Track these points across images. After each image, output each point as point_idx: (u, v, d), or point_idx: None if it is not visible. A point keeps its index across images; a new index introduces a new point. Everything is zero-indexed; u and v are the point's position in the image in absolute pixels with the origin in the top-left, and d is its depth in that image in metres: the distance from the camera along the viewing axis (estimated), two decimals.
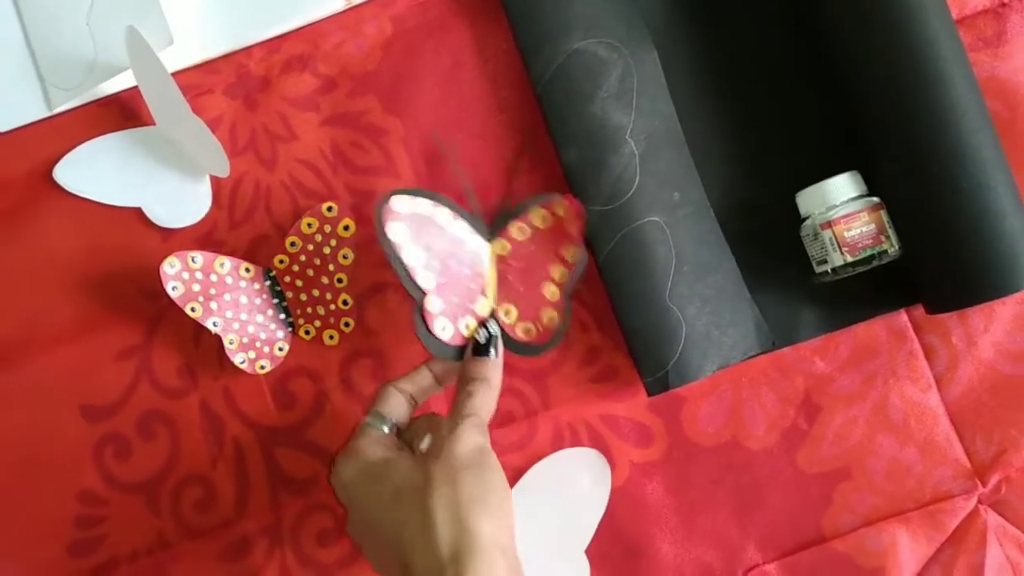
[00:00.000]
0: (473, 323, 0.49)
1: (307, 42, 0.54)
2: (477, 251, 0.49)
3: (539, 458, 0.53)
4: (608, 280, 0.50)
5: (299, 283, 0.53)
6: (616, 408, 0.54)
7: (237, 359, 0.52)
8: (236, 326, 0.52)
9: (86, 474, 0.54)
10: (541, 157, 0.53)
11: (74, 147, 0.54)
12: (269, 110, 0.54)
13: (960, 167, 0.46)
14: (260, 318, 0.53)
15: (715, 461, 0.53)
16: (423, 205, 0.48)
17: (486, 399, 0.45)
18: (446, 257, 0.48)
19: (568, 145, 0.50)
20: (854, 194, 0.49)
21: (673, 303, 0.49)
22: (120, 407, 0.54)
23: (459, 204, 0.49)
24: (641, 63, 0.51)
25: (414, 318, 0.47)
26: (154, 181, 0.54)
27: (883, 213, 0.48)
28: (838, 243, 0.48)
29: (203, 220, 0.54)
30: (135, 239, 0.54)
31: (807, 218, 0.50)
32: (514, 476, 0.54)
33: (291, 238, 0.53)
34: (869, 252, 0.48)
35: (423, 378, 0.49)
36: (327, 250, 0.53)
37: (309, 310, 0.54)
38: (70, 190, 0.54)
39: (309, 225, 0.53)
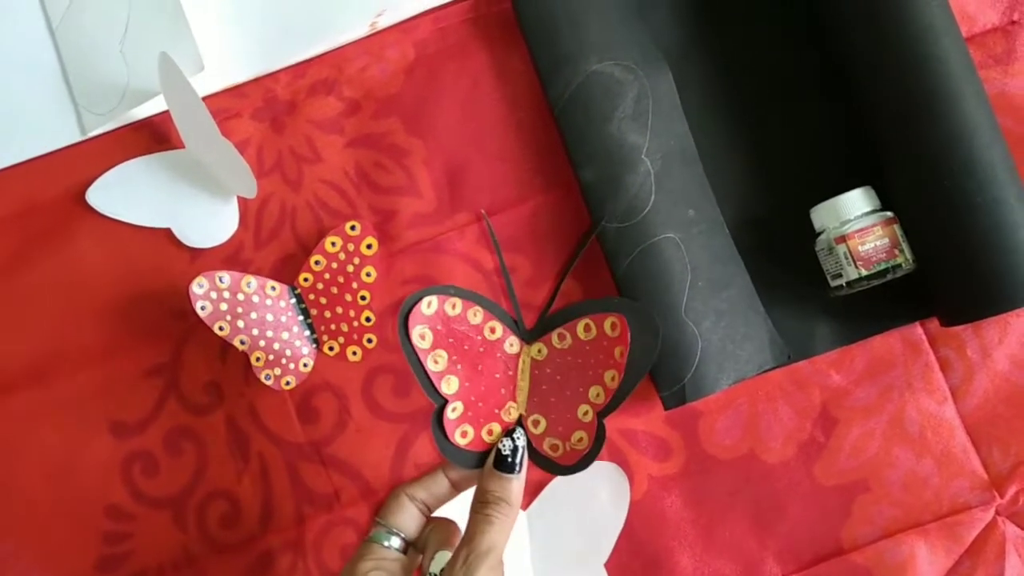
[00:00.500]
0: (498, 430, 0.46)
1: (332, 67, 0.56)
2: (511, 353, 0.47)
3: None
4: (625, 295, 0.51)
5: (323, 300, 0.55)
6: (634, 422, 0.54)
7: (263, 376, 0.53)
8: (263, 343, 0.53)
9: (114, 490, 0.56)
10: (557, 177, 0.55)
11: (106, 170, 0.56)
12: (295, 133, 0.56)
13: (973, 182, 0.46)
14: (286, 335, 0.54)
15: (733, 474, 0.54)
16: (453, 304, 0.46)
17: (505, 527, 0.41)
18: (475, 358, 0.46)
19: (586, 164, 0.52)
20: (868, 208, 0.49)
21: (688, 318, 0.50)
22: (148, 424, 0.56)
23: (498, 303, 0.48)
24: (656, 84, 0.52)
25: (432, 424, 0.45)
26: (184, 203, 0.56)
27: (897, 227, 0.49)
28: (852, 257, 0.49)
29: (231, 240, 0.56)
30: (165, 259, 0.56)
31: (821, 233, 0.51)
32: (534, 491, 0.54)
33: (315, 257, 0.54)
34: (883, 266, 0.48)
35: (438, 485, 0.45)
36: (350, 268, 0.54)
37: (333, 327, 0.55)
38: (102, 212, 0.56)
39: (333, 244, 0.54)
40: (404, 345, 0.45)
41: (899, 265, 0.48)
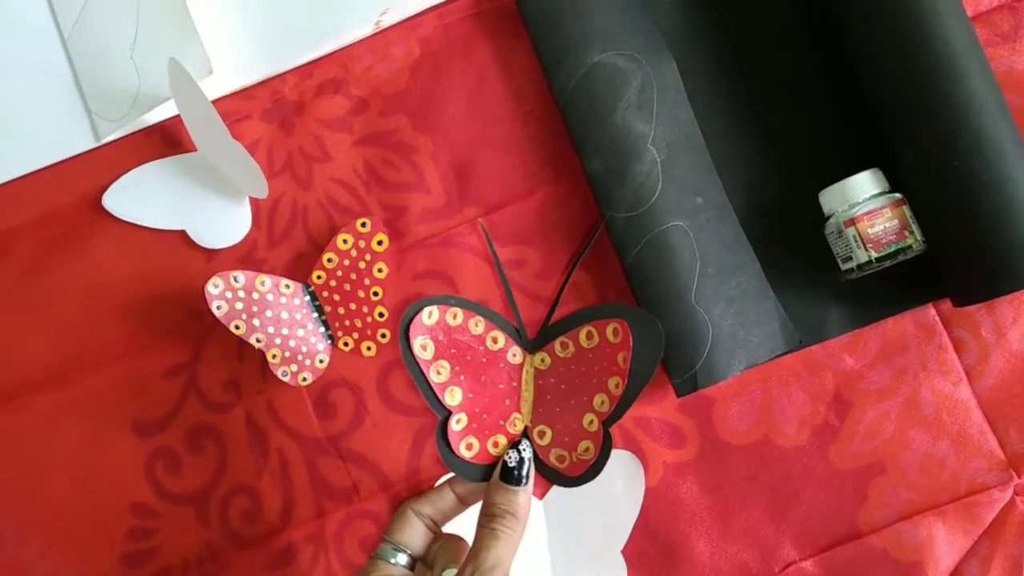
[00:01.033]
0: (504, 442, 0.45)
1: (338, 66, 0.56)
2: (515, 364, 0.47)
3: None
4: (635, 284, 0.51)
5: (336, 297, 0.55)
6: (647, 410, 0.54)
7: (280, 372, 0.54)
8: (278, 341, 0.54)
9: (138, 487, 0.57)
10: (565, 168, 0.55)
11: (121, 175, 0.57)
12: (304, 132, 0.57)
13: (981, 160, 0.46)
14: (301, 332, 0.55)
15: (748, 460, 0.54)
16: (454, 314, 0.46)
17: (512, 541, 0.41)
18: (478, 369, 0.46)
19: (592, 155, 0.52)
20: (876, 191, 0.49)
21: (699, 305, 0.50)
22: (169, 422, 0.57)
23: (500, 314, 0.48)
24: (660, 72, 0.52)
25: (436, 437, 0.45)
26: (197, 205, 0.56)
27: (906, 208, 0.49)
28: (862, 240, 0.48)
29: (244, 240, 0.56)
30: (180, 261, 0.57)
31: (830, 216, 0.51)
32: None
33: (328, 254, 0.55)
34: (893, 248, 0.48)
35: (445, 500, 0.45)
36: (362, 264, 0.55)
37: (347, 323, 0.55)
38: (118, 216, 0.57)
39: (344, 241, 0.55)
40: (406, 356, 0.45)
41: (909, 247, 0.48)
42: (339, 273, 0.55)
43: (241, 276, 0.54)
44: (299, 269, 0.56)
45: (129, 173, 0.57)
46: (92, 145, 0.58)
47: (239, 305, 0.53)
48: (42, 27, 0.58)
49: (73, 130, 0.58)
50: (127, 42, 0.56)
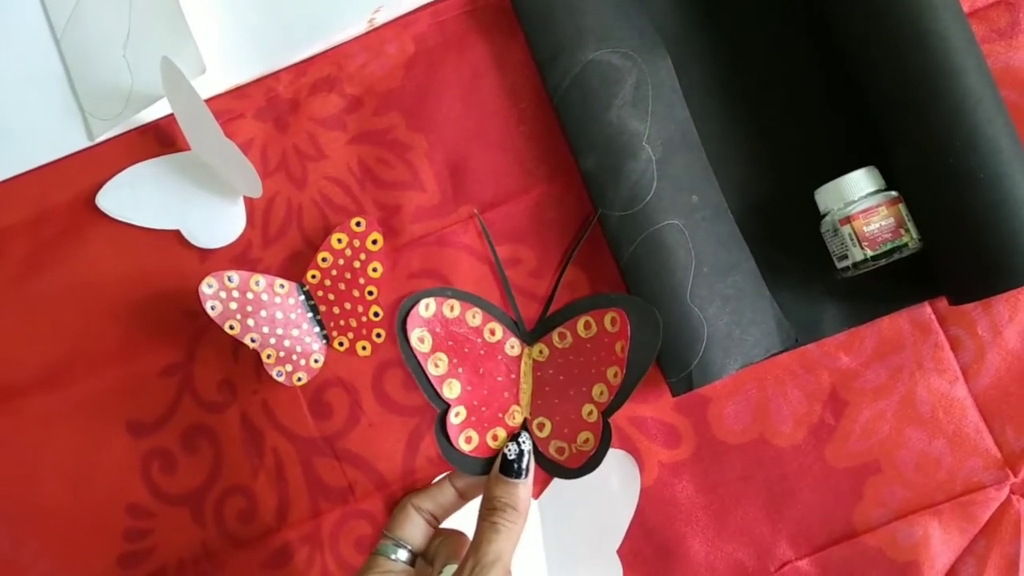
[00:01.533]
0: (503, 434, 0.45)
1: (332, 64, 0.56)
2: (513, 356, 0.46)
3: None
4: (630, 283, 0.51)
5: (331, 297, 0.55)
6: (643, 409, 0.54)
7: (275, 372, 0.54)
8: (273, 341, 0.54)
9: (134, 488, 0.57)
10: (560, 165, 0.55)
11: (115, 174, 0.56)
12: (298, 131, 0.56)
13: (976, 157, 0.46)
14: (295, 332, 0.55)
15: (743, 459, 0.54)
16: (451, 307, 0.45)
17: (512, 534, 0.41)
18: (476, 361, 0.45)
19: (586, 153, 0.52)
20: (872, 189, 0.49)
21: (694, 304, 0.50)
22: (164, 422, 0.57)
23: (497, 305, 0.47)
24: (655, 70, 0.52)
25: (435, 430, 0.44)
26: (191, 204, 0.56)
27: (902, 207, 0.48)
28: (858, 238, 0.48)
29: (238, 240, 0.56)
30: (174, 261, 0.57)
31: (826, 214, 0.51)
32: (546, 479, 0.55)
33: (322, 253, 0.55)
34: (889, 246, 0.48)
35: (445, 495, 0.45)
36: (357, 264, 0.55)
37: (342, 323, 0.55)
38: (112, 215, 0.57)
39: (339, 240, 0.54)
40: (403, 348, 0.44)
41: (905, 245, 0.48)
42: (334, 272, 0.55)
43: (235, 276, 0.53)
44: (294, 269, 0.56)
45: (123, 172, 0.57)
46: (85, 144, 0.57)
47: (233, 305, 0.53)
48: (34, 26, 0.58)
49: (66, 129, 0.57)
50: (120, 41, 0.56)
